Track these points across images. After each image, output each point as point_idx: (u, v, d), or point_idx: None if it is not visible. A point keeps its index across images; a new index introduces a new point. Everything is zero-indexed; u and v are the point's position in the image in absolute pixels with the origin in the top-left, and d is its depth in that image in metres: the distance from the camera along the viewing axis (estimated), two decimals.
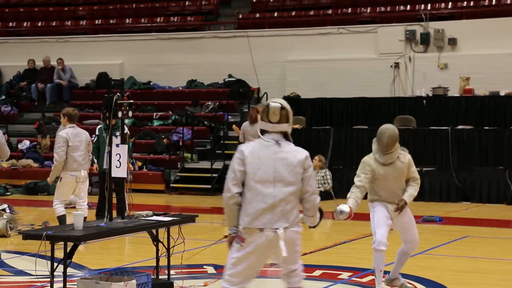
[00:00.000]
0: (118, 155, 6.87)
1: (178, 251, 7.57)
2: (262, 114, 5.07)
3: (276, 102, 5.09)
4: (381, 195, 7.31)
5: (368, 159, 7.25)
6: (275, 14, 21.73)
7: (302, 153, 5.07)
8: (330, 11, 21.03)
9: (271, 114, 5.04)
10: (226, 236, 5.36)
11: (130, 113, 7.03)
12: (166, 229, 7.39)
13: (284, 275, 5.28)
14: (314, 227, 5.37)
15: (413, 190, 7.25)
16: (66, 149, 10.32)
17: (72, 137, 10.41)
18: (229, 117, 19.17)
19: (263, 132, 5.09)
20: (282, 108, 5.05)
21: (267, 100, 19.33)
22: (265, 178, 4.98)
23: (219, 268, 8.86)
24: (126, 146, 7.05)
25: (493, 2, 19.41)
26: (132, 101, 7.18)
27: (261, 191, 4.98)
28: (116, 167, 6.87)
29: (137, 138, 18.77)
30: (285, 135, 5.08)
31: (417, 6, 19.73)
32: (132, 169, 14.80)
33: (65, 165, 10.34)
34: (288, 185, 5.00)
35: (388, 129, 7.07)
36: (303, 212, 5.20)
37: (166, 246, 7.38)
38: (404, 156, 7.20)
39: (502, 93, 16.38)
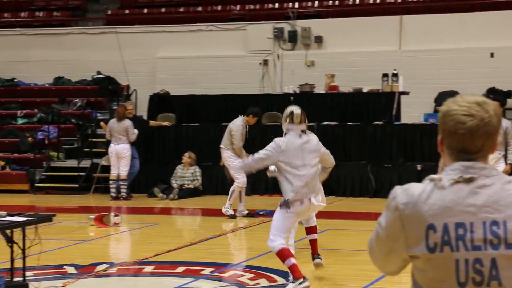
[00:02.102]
0: None
1: (36, 253, 7.37)
2: (288, 118, 7.35)
3: (298, 110, 7.40)
4: None
5: None
6: (145, 11, 21.55)
7: (314, 139, 7.48)
8: (200, 8, 21.05)
9: (295, 118, 7.33)
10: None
11: None
12: (21, 230, 7.17)
13: (305, 220, 7.98)
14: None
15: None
16: None
17: None
18: (98, 114, 18.86)
19: (288, 130, 7.34)
20: (302, 113, 7.37)
21: (136, 96, 19.21)
22: (299, 164, 7.25)
23: (80, 268, 8.70)
24: None
25: (357, 2, 19.97)
26: None
27: (298, 174, 7.24)
28: None
29: (0, 136, 18.17)
30: (303, 131, 7.37)
31: (285, 4, 20.04)
32: None
33: None
34: (313, 167, 7.34)
35: (294, 107, 8.27)
36: (323, 169, 7.78)
37: (21, 247, 7.16)
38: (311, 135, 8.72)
39: (365, 90, 16.84)
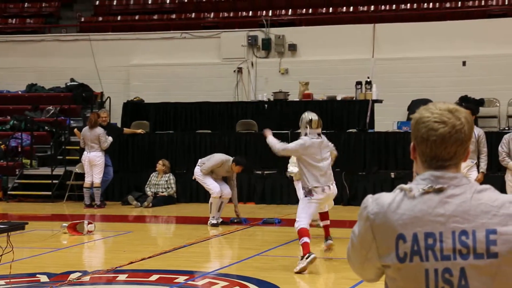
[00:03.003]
0: None
1: (8, 261, 7.32)
2: (306, 124, 8.86)
3: (315, 117, 8.93)
4: None
5: None
6: (119, 18, 21.50)
7: (325, 140, 9.05)
8: (174, 16, 21.05)
9: (313, 123, 8.87)
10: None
11: None
12: None
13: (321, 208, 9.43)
14: None
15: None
16: None
17: None
18: (71, 122, 18.76)
19: (307, 133, 8.85)
20: (318, 119, 8.94)
21: (109, 104, 19.14)
22: (318, 158, 8.83)
23: (53, 276, 8.65)
24: None
25: (331, 10, 20.09)
26: None
27: (318, 165, 8.80)
28: None
29: None
30: (318, 134, 8.93)
31: (258, 12, 20.10)
32: None
33: None
34: (327, 159, 8.93)
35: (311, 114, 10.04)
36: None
37: None
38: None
39: (339, 98, 16.92)
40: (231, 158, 12.89)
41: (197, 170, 12.88)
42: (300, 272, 8.55)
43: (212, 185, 12.62)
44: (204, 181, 12.75)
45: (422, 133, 2.37)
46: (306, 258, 8.47)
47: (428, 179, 2.36)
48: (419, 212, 2.31)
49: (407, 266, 2.30)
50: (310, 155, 8.83)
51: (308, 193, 8.79)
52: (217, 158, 12.87)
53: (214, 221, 12.67)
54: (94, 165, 15.58)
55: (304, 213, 8.76)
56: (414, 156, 2.43)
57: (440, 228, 2.29)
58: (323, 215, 9.83)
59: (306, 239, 8.60)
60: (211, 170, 12.73)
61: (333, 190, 9.06)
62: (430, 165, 2.38)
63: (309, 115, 8.97)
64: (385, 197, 2.37)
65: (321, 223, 9.93)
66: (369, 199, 2.39)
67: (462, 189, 2.34)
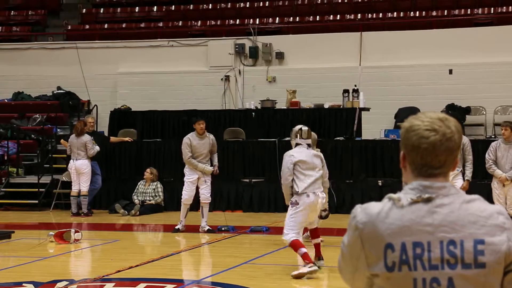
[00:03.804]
0: None
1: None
2: (297, 133, 8.92)
3: (305, 127, 9.01)
4: None
5: None
6: (105, 26, 21.48)
7: (317, 152, 9.16)
8: (161, 24, 21.05)
9: (303, 134, 8.91)
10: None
11: None
12: None
13: (309, 223, 9.25)
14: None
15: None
16: None
17: None
18: (58, 130, 18.71)
19: (297, 144, 8.94)
20: (309, 130, 9.01)
21: (96, 112, 19.11)
22: (310, 167, 8.81)
23: (39, 285, 8.61)
24: None
25: (318, 18, 20.14)
26: None
27: (308, 174, 8.78)
28: None
29: None
30: (308, 144, 8.99)
31: (245, 20, 20.15)
32: None
33: None
34: (318, 171, 8.90)
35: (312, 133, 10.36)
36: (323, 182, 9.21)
37: None
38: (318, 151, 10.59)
39: (326, 106, 16.94)
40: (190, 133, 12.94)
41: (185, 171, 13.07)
42: (297, 277, 8.61)
43: (184, 191, 12.75)
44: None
45: (413, 141, 2.38)
46: (310, 267, 8.56)
47: (417, 189, 2.37)
48: (408, 222, 2.33)
49: (395, 275, 2.31)
50: (300, 164, 8.84)
51: (294, 203, 8.76)
52: (183, 143, 12.89)
53: (178, 226, 12.81)
54: (81, 173, 15.54)
55: (291, 224, 8.71)
56: (403, 165, 2.44)
57: (428, 238, 2.31)
58: (314, 233, 9.47)
59: (303, 250, 8.59)
60: (191, 157, 12.72)
61: (320, 198, 8.90)
62: (420, 173, 2.39)
63: (298, 126, 9.10)
64: (373, 207, 2.38)
65: (313, 241, 9.49)
66: (358, 208, 2.40)
67: (451, 199, 2.35)
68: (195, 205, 13.23)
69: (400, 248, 2.30)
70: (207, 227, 12.87)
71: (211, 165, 12.92)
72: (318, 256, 9.31)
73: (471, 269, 2.28)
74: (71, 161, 15.62)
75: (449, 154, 2.38)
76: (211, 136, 12.94)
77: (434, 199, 2.35)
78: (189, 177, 12.90)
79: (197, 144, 12.78)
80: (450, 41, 17.92)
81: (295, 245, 8.61)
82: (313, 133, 10.61)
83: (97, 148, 15.66)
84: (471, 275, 2.28)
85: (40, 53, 20.31)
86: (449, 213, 2.33)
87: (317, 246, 9.38)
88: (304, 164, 8.79)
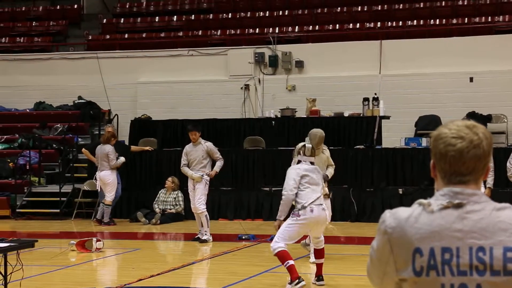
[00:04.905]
0: None
1: (18, 279, 7.34)
2: (300, 150, 8.72)
3: (309, 145, 8.89)
4: None
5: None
6: (126, 36, 21.61)
7: (317, 167, 9.03)
8: (181, 33, 21.13)
9: (307, 151, 8.73)
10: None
11: None
12: (3, 256, 7.14)
13: (315, 239, 9.02)
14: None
15: (331, 169, 10.95)
16: None
17: None
18: (79, 139, 18.83)
19: (299, 161, 8.73)
20: (312, 148, 8.85)
21: (117, 121, 19.21)
22: (315, 183, 8.65)
23: None
24: None
25: (337, 27, 20.14)
26: None
27: (312, 188, 8.60)
28: None
29: None
30: (311, 162, 8.83)
31: (265, 29, 20.20)
32: None
33: None
34: (320, 184, 8.74)
35: (318, 131, 10.70)
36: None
37: (3, 273, 7.13)
38: (326, 150, 10.97)
39: (346, 114, 16.92)
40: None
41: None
42: None
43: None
44: None
45: (441, 149, 2.40)
46: (295, 284, 8.20)
47: (447, 195, 2.38)
48: (437, 227, 2.33)
49: (423, 280, 2.31)
50: (305, 179, 8.63)
51: (295, 213, 8.50)
52: (183, 153, 13.18)
53: (198, 236, 12.98)
54: (105, 184, 15.63)
55: (284, 234, 8.41)
56: (434, 174, 2.46)
57: (457, 243, 2.31)
58: (319, 253, 9.04)
59: (290, 262, 8.27)
60: (185, 165, 12.95)
61: (322, 213, 8.59)
62: (449, 180, 2.40)
63: (302, 143, 8.94)
64: (402, 211, 2.39)
65: (316, 261, 9.12)
66: (387, 213, 2.42)
67: (482, 206, 2.35)
68: (213, 214, 13.29)
69: (429, 253, 2.31)
70: (203, 236, 12.88)
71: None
72: (318, 275, 8.94)
73: (500, 276, 2.28)
74: (97, 172, 15.74)
75: (477, 160, 2.38)
76: (207, 144, 13.09)
77: (465, 205, 2.35)
78: (188, 186, 13.14)
79: (190, 151, 13.09)
80: (471, 49, 17.86)
81: (282, 257, 8.30)
82: (319, 131, 10.72)
83: (122, 159, 15.74)
84: (500, 282, 2.28)
85: (61, 63, 20.46)
86: (480, 219, 2.33)
87: (319, 266, 9.00)
88: (310, 179, 8.60)
